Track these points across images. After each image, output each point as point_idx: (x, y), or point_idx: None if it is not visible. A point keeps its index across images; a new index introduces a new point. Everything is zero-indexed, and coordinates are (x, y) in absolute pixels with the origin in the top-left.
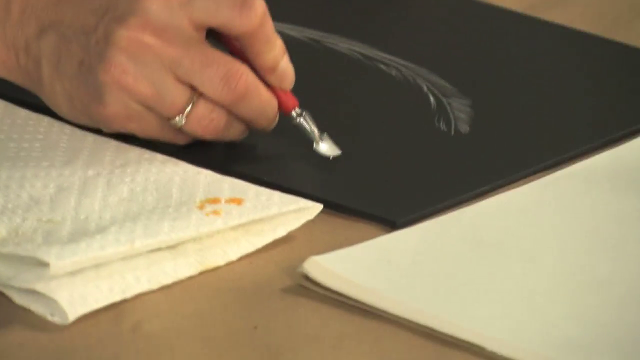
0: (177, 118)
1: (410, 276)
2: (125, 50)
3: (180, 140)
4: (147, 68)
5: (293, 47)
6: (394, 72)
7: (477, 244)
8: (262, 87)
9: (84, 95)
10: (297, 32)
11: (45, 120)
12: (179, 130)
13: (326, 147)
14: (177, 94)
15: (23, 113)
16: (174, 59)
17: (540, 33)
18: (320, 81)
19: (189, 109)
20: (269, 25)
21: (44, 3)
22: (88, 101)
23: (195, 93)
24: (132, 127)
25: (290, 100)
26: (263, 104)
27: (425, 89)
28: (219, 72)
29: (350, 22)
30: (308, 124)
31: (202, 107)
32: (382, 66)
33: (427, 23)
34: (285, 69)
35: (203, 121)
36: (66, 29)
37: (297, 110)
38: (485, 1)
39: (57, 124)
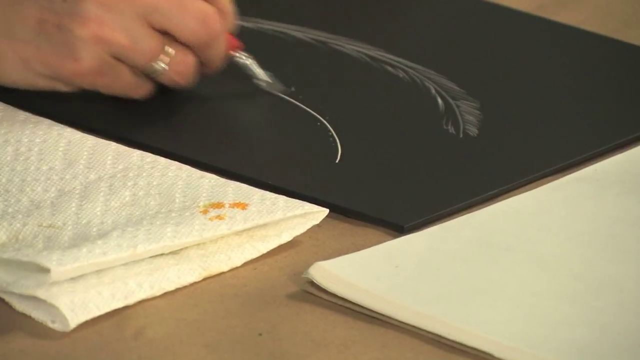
0: (157, 65)
1: (417, 281)
2: (98, 2)
3: (142, 93)
4: (122, 17)
5: (299, 48)
6: (401, 74)
7: (485, 249)
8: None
9: (49, 55)
10: (303, 33)
11: (45, 122)
12: (152, 79)
13: (271, 84)
14: (152, 41)
15: (22, 116)
16: (150, 5)
17: (550, 34)
18: (326, 83)
19: (170, 53)
20: None
21: None
22: (54, 60)
23: (167, 38)
24: (100, 83)
25: (235, 41)
26: (225, 45)
27: (433, 91)
28: (196, 14)
29: (356, 23)
30: (252, 63)
31: (178, 52)
32: (389, 68)
33: (435, 24)
34: (232, 12)
35: (180, 66)
36: None
37: (241, 51)
38: (494, 2)
39: (56, 127)
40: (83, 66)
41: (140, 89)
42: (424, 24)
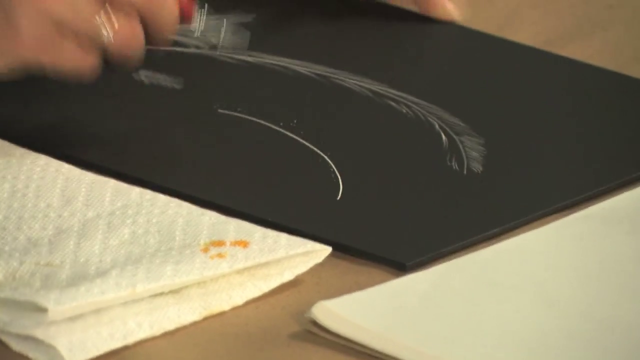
0: (103, 32)
1: (421, 321)
2: None
3: (88, 68)
4: None
5: (301, 83)
6: (404, 110)
7: (490, 288)
8: None
9: None
10: (306, 68)
11: (42, 159)
12: (97, 51)
13: (234, 41)
14: (92, 7)
15: (18, 152)
16: None
17: (556, 69)
18: (328, 118)
19: (113, 22)
20: None
21: None
22: None
23: (106, 5)
24: (45, 58)
25: (188, 7)
26: (172, 9)
27: (437, 127)
28: None
29: (359, 58)
30: (218, 23)
31: (121, 17)
32: (392, 103)
33: (439, 59)
34: None
35: (125, 34)
36: None
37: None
38: (499, 36)
39: (54, 163)
40: (25, 37)
41: (86, 63)
42: (427, 58)
